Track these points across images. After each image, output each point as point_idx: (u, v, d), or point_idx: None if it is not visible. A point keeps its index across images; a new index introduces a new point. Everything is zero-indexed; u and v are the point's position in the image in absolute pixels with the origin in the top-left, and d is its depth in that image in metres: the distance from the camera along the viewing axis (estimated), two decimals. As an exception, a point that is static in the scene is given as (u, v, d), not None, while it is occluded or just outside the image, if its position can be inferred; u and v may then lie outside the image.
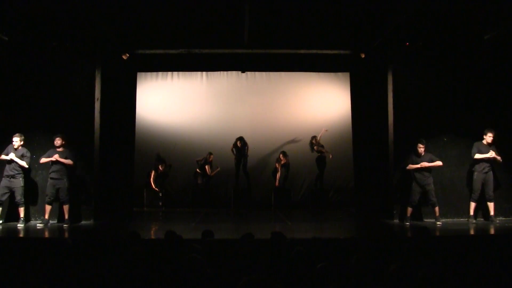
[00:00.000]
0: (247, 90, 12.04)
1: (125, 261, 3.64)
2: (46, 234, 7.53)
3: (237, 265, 3.65)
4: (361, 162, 10.74)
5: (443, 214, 8.52)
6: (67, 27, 8.40)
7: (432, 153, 8.48)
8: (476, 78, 8.97)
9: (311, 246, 4.35)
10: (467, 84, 8.97)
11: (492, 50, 8.88)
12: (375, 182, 10.03)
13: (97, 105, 9.05)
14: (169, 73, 11.95)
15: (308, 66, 11.08)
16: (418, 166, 8.29)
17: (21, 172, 8.19)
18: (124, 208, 10.25)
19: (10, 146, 8.21)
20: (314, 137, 11.31)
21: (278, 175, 11.25)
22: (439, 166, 8.45)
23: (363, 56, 9.69)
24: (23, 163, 8.17)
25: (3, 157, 8.13)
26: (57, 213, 8.49)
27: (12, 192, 8.17)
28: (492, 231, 7.70)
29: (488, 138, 8.36)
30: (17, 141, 8.18)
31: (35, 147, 8.60)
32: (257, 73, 11.97)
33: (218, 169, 11.53)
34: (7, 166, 8.15)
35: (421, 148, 8.35)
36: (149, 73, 11.82)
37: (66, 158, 8.24)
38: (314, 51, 9.97)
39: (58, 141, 8.26)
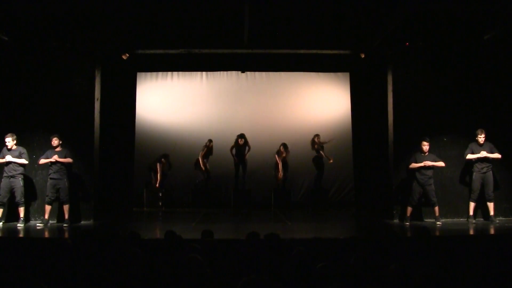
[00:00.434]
0: (247, 90, 12.04)
1: (125, 261, 3.63)
2: (46, 234, 7.53)
3: (237, 265, 3.65)
4: (361, 162, 10.75)
5: (443, 214, 8.51)
6: (67, 27, 8.40)
7: (433, 153, 8.48)
8: (476, 78, 8.97)
9: (311, 246, 4.34)
10: (467, 84, 8.97)
11: (492, 50, 8.88)
12: (375, 182, 10.03)
13: (97, 105, 9.05)
14: (169, 73, 11.94)
15: (308, 66, 11.08)
16: (422, 164, 8.27)
17: (20, 172, 8.19)
18: (124, 208, 10.26)
19: (4, 148, 8.16)
20: (317, 136, 11.28)
21: (280, 166, 11.16)
22: (441, 167, 8.45)
23: (363, 56, 9.69)
24: (23, 161, 8.16)
25: (0, 160, 8.12)
26: (57, 213, 8.49)
27: (12, 193, 8.16)
28: (491, 231, 7.70)
29: (479, 138, 8.36)
30: (9, 141, 8.12)
31: (34, 147, 8.60)
32: (257, 73, 11.96)
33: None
34: (6, 167, 8.13)
35: (425, 146, 8.32)
36: (149, 73, 11.81)
37: (65, 157, 8.24)
38: (314, 51, 9.96)
39: (55, 141, 8.24)
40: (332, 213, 10.73)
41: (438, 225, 8.13)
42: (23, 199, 8.19)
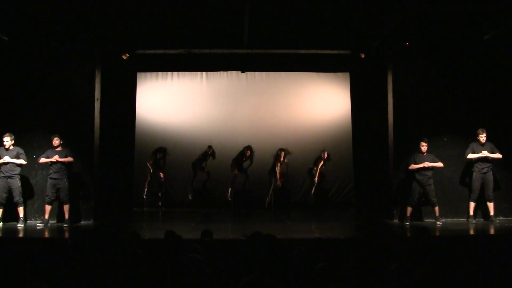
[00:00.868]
0: (247, 90, 12.03)
1: (125, 261, 3.63)
2: (46, 234, 7.54)
3: (237, 265, 3.65)
4: (361, 162, 10.75)
5: (443, 214, 8.51)
6: (67, 27, 8.39)
7: (432, 153, 8.48)
8: (476, 78, 8.97)
9: (311, 246, 4.35)
10: (467, 84, 8.97)
11: (492, 50, 8.88)
12: (375, 182, 10.03)
13: (97, 105, 9.05)
14: (169, 73, 11.93)
15: (308, 66, 11.08)
16: (421, 165, 8.27)
17: (17, 172, 8.18)
18: (124, 208, 10.26)
19: (1, 148, 8.15)
20: (323, 151, 11.08)
21: (278, 171, 10.97)
22: (440, 168, 8.45)
23: (363, 56, 9.69)
24: (21, 161, 8.16)
25: None
26: (57, 213, 8.49)
27: (10, 193, 8.16)
28: (492, 231, 7.71)
29: (481, 138, 8.36)
30: (7, 141, 8.11)
31: (34, 147, 8.60)
32: (257, 73, 11.95)
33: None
34: (3, 168, 8.12)
35: (423, 146, 8.33)
36: (149, 73, 11.80)
37: (66, 156, 8.24)
38: (314, 51, 9.96)
39: (56, 141, 8.24)
40: (332, 213, 10.73)
41: (438, 225, 8.13)
42: (21, 199, 8.19)
